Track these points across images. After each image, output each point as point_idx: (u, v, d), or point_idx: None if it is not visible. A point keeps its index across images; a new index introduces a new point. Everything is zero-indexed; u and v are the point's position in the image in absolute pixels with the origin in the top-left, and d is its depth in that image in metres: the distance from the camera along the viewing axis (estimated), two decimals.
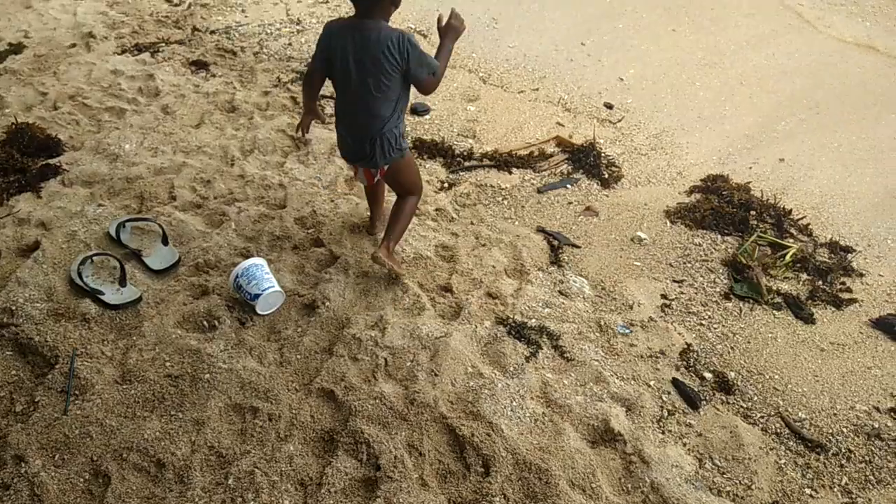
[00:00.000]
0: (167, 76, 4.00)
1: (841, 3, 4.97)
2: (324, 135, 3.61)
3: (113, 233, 2.79)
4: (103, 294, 2.49)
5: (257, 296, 2.44)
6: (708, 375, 2.42)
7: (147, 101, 3.79)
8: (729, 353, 2.52)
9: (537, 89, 4.23)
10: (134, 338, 2.35)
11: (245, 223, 2.93)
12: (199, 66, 4.16)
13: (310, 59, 2.63)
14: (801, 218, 3.21)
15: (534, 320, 2.55)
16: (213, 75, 4.09)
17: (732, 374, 2.43)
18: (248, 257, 2.68)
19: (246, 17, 4.71)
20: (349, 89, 2.46)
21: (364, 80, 2.40)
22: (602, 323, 2.57)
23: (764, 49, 4.53)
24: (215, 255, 2.73)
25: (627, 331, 2.57)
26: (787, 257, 2.94)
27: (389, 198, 2.94)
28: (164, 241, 2.77)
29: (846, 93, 4.16)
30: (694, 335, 2.59)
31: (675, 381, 2.37)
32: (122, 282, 2.54)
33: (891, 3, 4.91)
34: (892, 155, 3.68)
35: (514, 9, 4.97)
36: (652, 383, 2.34)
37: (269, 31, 4.56)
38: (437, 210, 3.19)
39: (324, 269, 2.71)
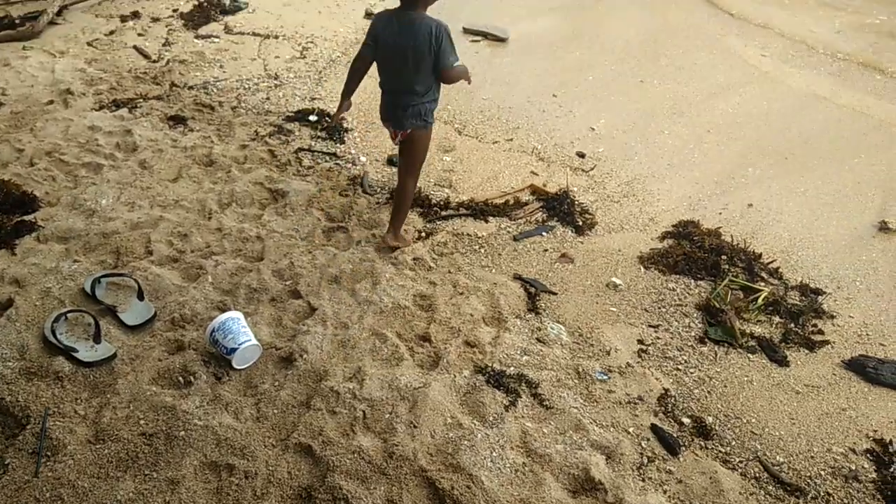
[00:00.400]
0: (145, 131, 4.03)
1: (800, 58, 5.18)
2: (301, 186, 3.64)
3: (88, 289, 2.77)
4: (77, 351, 2.45)
5: (233, 350, 2.42)
6: (686, 420, 2.43)
7: (124, 157, 3.81)
8: (706, 397, 2.54)
9: (511, 139, 4.32)
10: (108, 395, 2.31)
11: (222, 276, 2.93)
12: (177, 120, 4.20)
13: (358, 50, 3.12)
14: (772, 261, 3.28)
15: (512, 368, 2.55)
16: (191, 130, 4.13)
17: (710, 418, 2.44)
18: (224, 311, 2.67)
19: (224, 72, 4.78)
20: (394, 67, 2.98)
21: (405, 60, 2.91)
22: (580, 370, 2.59)
23: (729, 99, 4.69)
24: (191, 310, 2.71)
25: (605, 377, 2.58)
26: (760, 300, 3.00)
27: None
28: (140, 296, 2.76)
29: (809, 140, 4.31)
30: (671, 380, 2.61)
31: (654, 428, 2.37)
32: (97, 338, 2.52)
33: (845, 60, 5.12)
34: (856, 199, 3.79)
35: (487, 63, 5.10)
36: (631, 430, 2.35)
37: (246, 86, 4.63)
38: (414, 259, 3.21)
39: (301, 321, 2.71)
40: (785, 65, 5.10)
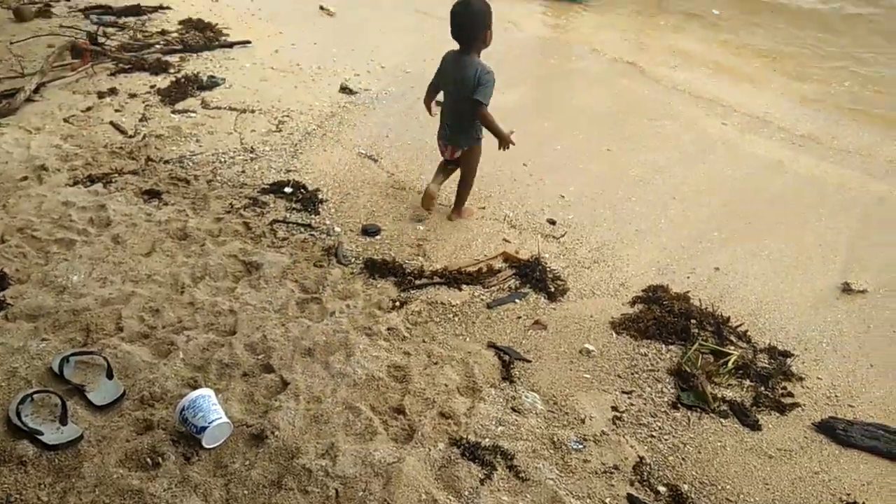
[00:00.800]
0: (119, 206, 4.05)
1: (759, 128, 5.40)
2: (275, 258, 3.66)
3: (56, 368, 2.73)
4: (42, 434, 2.40)
5: (203, 428, 2.39)
6: (662, 489, 2.43)
7: (98, 232, 3.81)
8: (681, 464, 2.54)
9: (484, 208, 4.40)
10: (73, 480, 2.26)
11: (193, 352, 2.90)
12: (152, 195, 4.23)
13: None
14: (740, 325, 3.34)
15: (487, 439, 2.54)
16: (166, 203, 4.16)
17: (686, 486, 2.44)
18: (195, 388, 2.64)
19: (200, 146, 4.85)
20: (451, 97, 3.88)
21: (460, 92, 3.73)
22: (555, 439, 2.58)
23: (693, 166, 4.85)
24: (161, 387, 2.68)
25: (581, 446, 2.58)
26: (730, 364, 3.04)
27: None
28: (109, 375, 2.72)
29: (772, 205, 4.45)
30: (646, 447, 2.61)
31: (630, 498, 2.36)
32: (63, 420, 2.47)
33: (804, 129, 5.36)
34: (818, 261, 3.91)
35: None
36: (607, 500, 2.34)
37: (222, 160, 4.69)
38: (388, 329, 3.22)
39: (273, 397, 2.69)
40: (745, 133, 5.30)
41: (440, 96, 4.12)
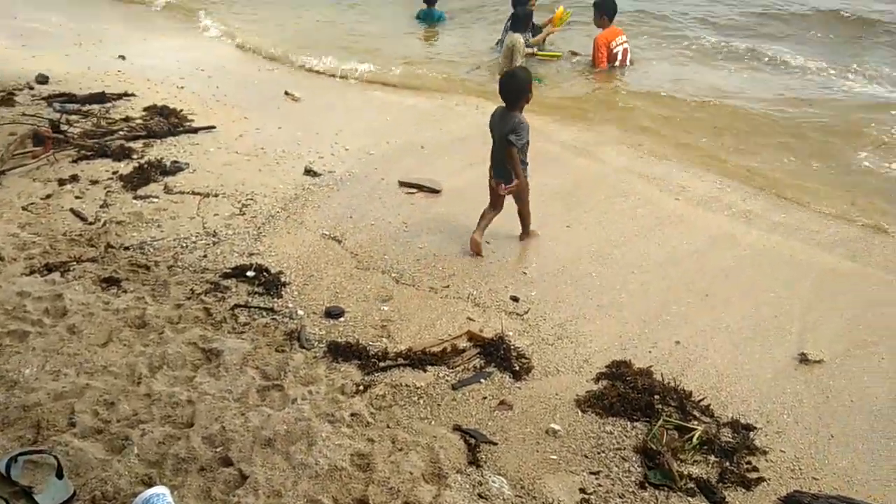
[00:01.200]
0: (76, 295, 3.99)
1: (710, 202, 5.60)
2: (236, 344, 3.61)
3: (3, 469, 2.62)
4: None
5: None
6: None
7: (53, 322, 3.73)
8: None
9: (448, 286, 4.43)
10: None
11: (148, 447, 2.82)
12: (111, 282, 4.17)
13: None
14: (702, 399, 3.36)
15: None
16: (125, 291, 4.10)
17: None
18: (149, 486, 2.55)
19: (162, 231, 4.84)
20: (497, 144, 4.62)
21: (500, 141, 4.55)
22: None
23: (651, 240, 4.98)
24: (114, 486, 2.58)
25: None
26: (694, 440, 3.05)
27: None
28: (59, 474, 2.61)
29: (728, 277, 4.57)
30: None
31: None
32: None
33: (752, 204, 5.57)
34: (773, 331, 3.99)
35: (422, 214, 5.32)
36: None
37: (184, 245, 4.68)
38: (352, 415, 3.17)
39: (232, 492, 2.60)
40: (697, 208, 5.48)
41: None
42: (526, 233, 5.01)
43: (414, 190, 5.72)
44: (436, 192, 5.70)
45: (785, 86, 8.18)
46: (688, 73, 8.65)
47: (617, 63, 8.60)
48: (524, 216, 4.95)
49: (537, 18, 9.11)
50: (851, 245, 4.98)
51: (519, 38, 8.20)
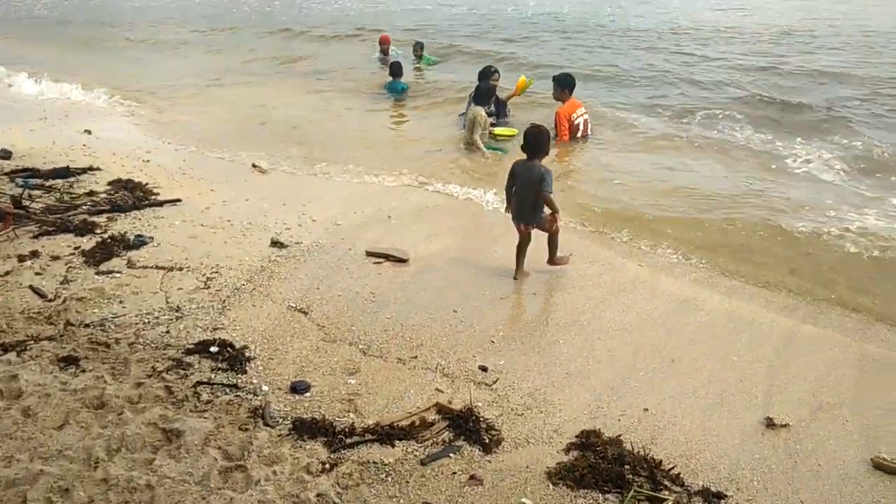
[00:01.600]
0: (32, 375, 3.86)
1: (671, 267, 5.73)
2: (197, 424, 3.51)
3: None
4: None
5: None
6: None
7: (6, 405, 3.60)
8: None
9: (416, 357, 4.40)
10: None
11: None
12: (69, 361, 4.06)
13: None
14: (672, 467, 3.35)
15: None
16: (84, 370, 3.99)
17: None
18: None
19: (123, 307, 4.75)
20: (523, 191, 5.24)
21: (527, 189, 5.20)
22: None
23: (616, 306, 5.04)
24: None
25: None
26: None
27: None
28: None
29: (691, 341, 4.62)
30: None
31: None
32: None
33: (707, 271, 5.72)
34: (739, 396, 4.02)
35: (389, 283, 5.33)
36: None
37: (146, 321, 4.59)
38: (318, 496, 3.09)
39: None
40: (660, 273, 5.60)
41: None
42: (552, 258, 5.51)
43: (381, 259, 5.74)
44: (403, 261, 5.73)
45: (729, 165, 8.50)
46: (637, 155, 8.88)
47: (579, 134, 8.86)
48: (552, 243, 5.47)
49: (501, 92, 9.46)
50: (807, 308, 5.11)
51: (480, 111, 8.50)
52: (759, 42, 14.95)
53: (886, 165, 8.27)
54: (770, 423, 3.74)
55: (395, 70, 11.66)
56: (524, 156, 5.30)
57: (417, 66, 13.45)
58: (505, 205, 5.59)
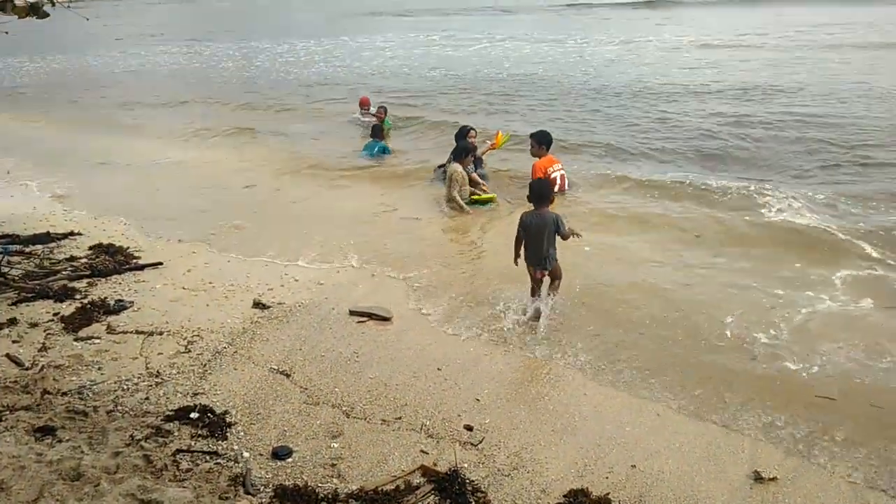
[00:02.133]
0: (7, 447, 3.76)
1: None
2: (176, 494, 3.42)
3: None
4: None
5: None
6: None
7: None
8: None
9: (400, 418, 4.35)
10: None
11: None
12: (45, 431, 3.96)
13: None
14: None
15: None
16: (60, 440, 3.89)
17: None
18: None
19: (102, 374, 4.67)
20: (539, 238, 5.54)
21: (542, 235, 5.51)
22: None
23: None
24: None
25: None
26: None
27: None
28: None
29: None
30: None
31: None
32: None
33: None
34: (726, 449, 4.00)
35: (373, 342, 5.31)
36: None
37: (125, 387, 4.52)
38: None
39: None
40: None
41: None
42: (554, 289, 5.86)
43: (364, 318, 5.73)
44: (386, 319, 5.72)
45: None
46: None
47: (556, 188, 9.04)
48: (557, 284, 5.86)
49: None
50: None
51: (457, 168, 8.76)
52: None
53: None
54: (758, 478, 3.71)
55: (376, 132, 11.83)
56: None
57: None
58: (513, 256, 5.78)
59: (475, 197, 8.88)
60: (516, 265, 5.77)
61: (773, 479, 3.71)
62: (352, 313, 5.81)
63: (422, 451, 4.01)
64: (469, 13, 44.61)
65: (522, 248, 5.71)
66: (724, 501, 3.55)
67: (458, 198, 8.64)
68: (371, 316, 5.78)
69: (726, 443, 4.07)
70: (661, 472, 3.79)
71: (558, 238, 5.58)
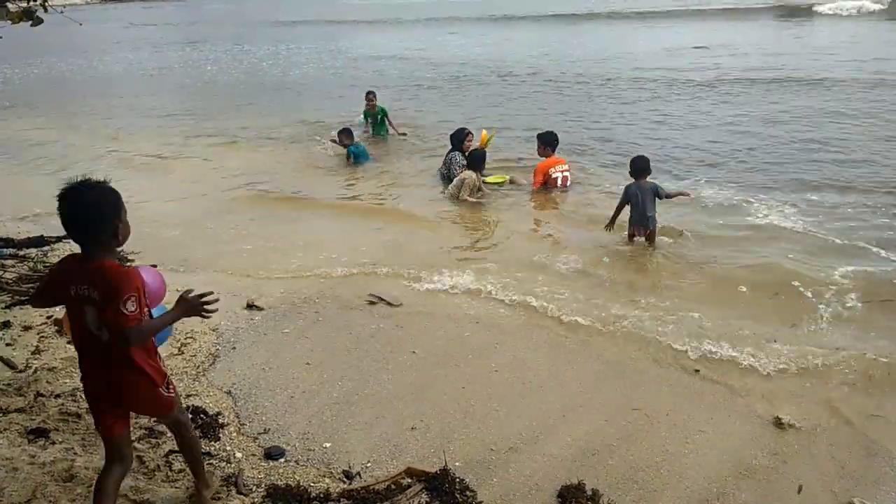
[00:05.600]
0: (0, 449, 3.78)
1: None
2: (169, 493, 3.46)
3: None
4: None
5: None
6: None
7: None
8: None
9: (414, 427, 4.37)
10: None
11: None
12: (39, 433, 3.99)
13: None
14: None
15: None
16: (53, 443, 3.92)
17: None
18: None
19: None
20: (644, 201, 6.92)
21: (647, 199, 6.93)
22: None
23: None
24: None
25: None
26: None
27: None
28: None
29: None
30: None
31: None
32: None
33: None
34: None
35: (368, 335, 5.33)
36: None
37: None
38: None
39: None
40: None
41: None
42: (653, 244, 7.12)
43: (376, 301, 5.92)
44: (395, 306, 5.87)
45: None
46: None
47: (558, 186, 9.15)
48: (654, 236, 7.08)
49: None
50: None
51: (472, 175, 9.04)
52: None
53: None
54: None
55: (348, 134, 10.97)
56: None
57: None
58: (608, 223, 7.24)
59: (489, 179, 9.11)
60: (609, 230, 7.22)
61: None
62: (370, 296, 6.06)
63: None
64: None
65: (628, 212, 7.02)
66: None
67: (470, 199, 8.82)
68: (382, 300, 5.95)
69: None
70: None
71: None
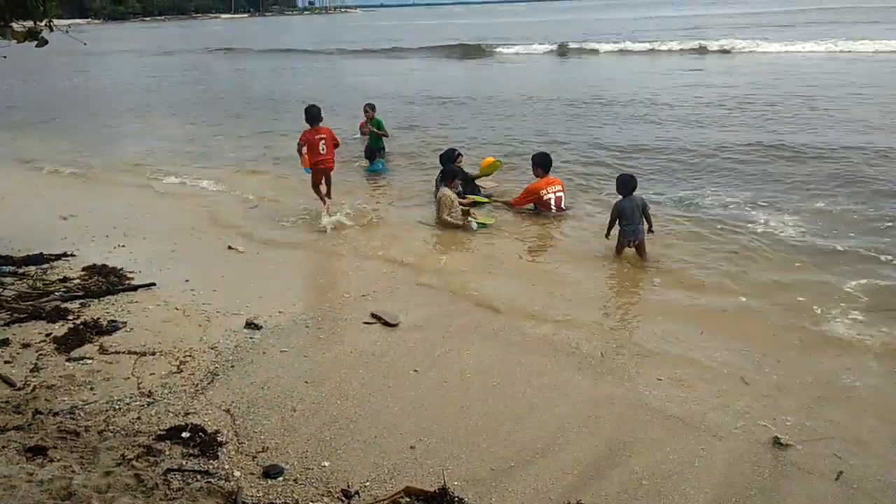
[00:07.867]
0: None
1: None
2: None
3: None
4: None
5: None
6: None
7: None
8: None
9: (413, 447, 4.37)
10: None
11: None
12: (37, 451, 3.97)
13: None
14: None
15: None
16: (51, 460, 3.90)
17: None
18: None
19: (94, 394, 4.69)
20: (635, 215, 7.42)
21: (637, 213, 7.44)
22: None
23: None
24: None
25: None
26: None
27: None
28: None
29: None
30: None
31: None
32: None
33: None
34: None
35: (369, 352, 5.33)
36: None
37: (117, 407, 4.53)
38: None
39: None
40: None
41: None
42: (644, 258, 7.51)
43: (373, 321, 5.88)
44: (392, 325, 5.85)
45: None
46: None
47: (553, 207, 9.16)
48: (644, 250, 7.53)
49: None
50: None
51: (446, 192, 9.16)
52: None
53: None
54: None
55: (370, 153, 12.32)
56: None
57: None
58: (605, 233, 7.76)
59: (478, 220, 8.85)
60: (607, 239, 7.75)
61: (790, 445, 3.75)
62: (372, 315, 6.03)
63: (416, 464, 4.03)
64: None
65: (618, 225, 7.52)
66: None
67: (450, 219, 8.74)
68: (380, 319, 5.93)
69: None
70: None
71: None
